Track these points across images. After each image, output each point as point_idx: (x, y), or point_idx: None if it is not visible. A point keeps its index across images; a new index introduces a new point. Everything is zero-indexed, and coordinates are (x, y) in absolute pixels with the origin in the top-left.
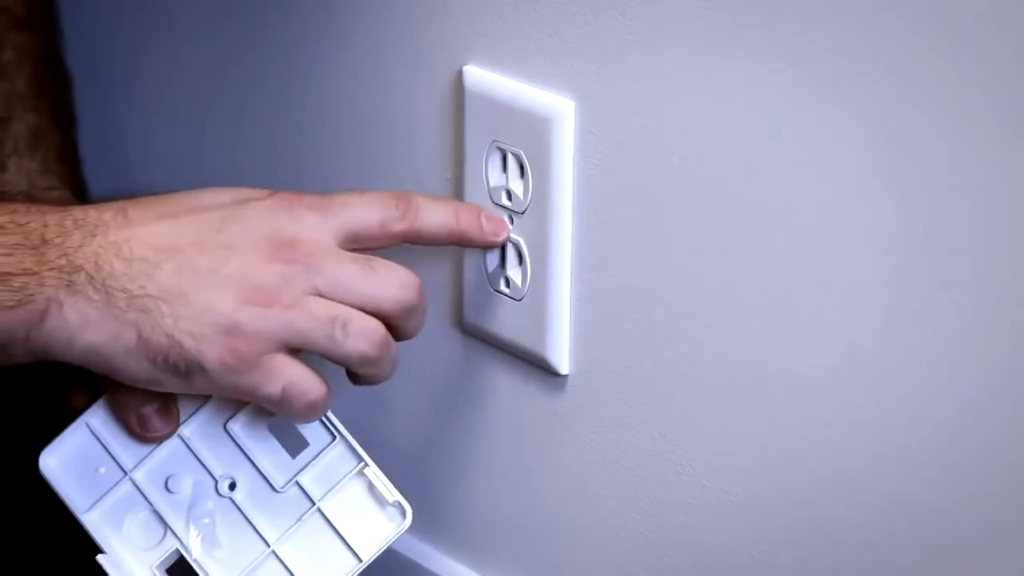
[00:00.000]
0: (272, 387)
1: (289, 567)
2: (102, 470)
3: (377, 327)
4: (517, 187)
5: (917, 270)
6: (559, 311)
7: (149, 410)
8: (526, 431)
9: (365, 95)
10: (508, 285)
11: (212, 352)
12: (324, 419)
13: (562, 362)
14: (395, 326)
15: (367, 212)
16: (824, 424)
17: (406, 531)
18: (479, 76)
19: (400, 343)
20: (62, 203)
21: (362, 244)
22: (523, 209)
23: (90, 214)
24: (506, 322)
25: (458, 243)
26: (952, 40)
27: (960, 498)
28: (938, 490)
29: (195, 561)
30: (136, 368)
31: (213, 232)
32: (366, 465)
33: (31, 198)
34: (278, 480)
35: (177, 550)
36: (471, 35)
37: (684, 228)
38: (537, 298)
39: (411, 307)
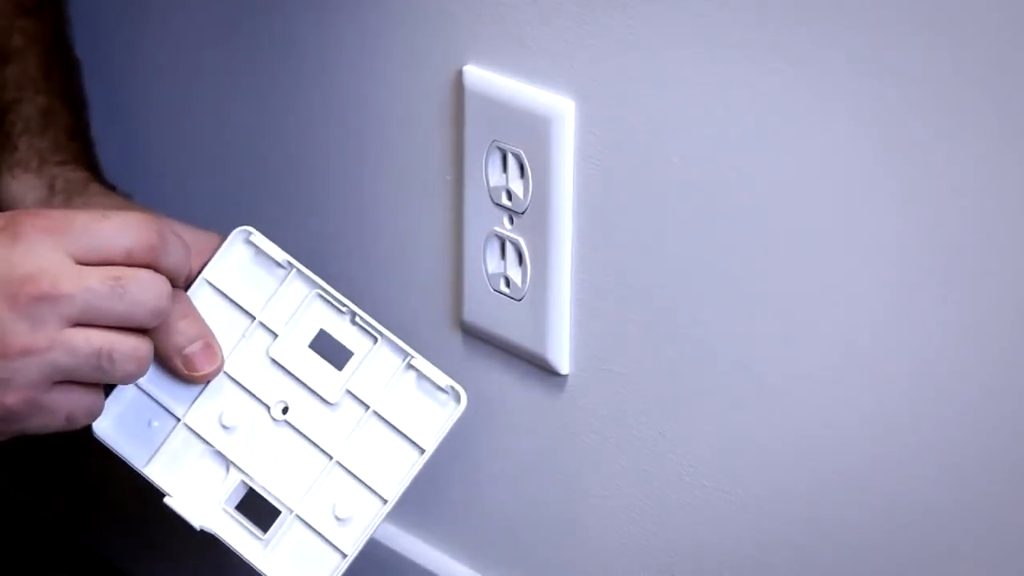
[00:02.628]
0: (55, 422)
1: (355, 473)
2: (156, 423)
3: (139, 345)
4: (517, 187)
5: (917, 270)
6: (559, 311)
7: (194, 349)
8: (526, 431)
9: (365, 95)
10: (508, 285)
11: None
12: (362, 323)
13: (562, 362)
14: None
15: (110, 237)
16: (824, 424)
17: (405, 531)
18: (479, 76)
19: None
20: (76, 180)
21: (107, 265)
22: (523, 209)
23: None
24: (506, 322)
25: (177, 282)
26: (952, 40)
27: (960, 498)
28: (938, 490)
29: (263, 488)
30: None
31: None
32: (412, 358)
33: (42, 175)
34: (330, 394)
35: (243, 482)
36: (471, 35)
37: (684, 228)
38: (537, 298)
39: (164, 311)
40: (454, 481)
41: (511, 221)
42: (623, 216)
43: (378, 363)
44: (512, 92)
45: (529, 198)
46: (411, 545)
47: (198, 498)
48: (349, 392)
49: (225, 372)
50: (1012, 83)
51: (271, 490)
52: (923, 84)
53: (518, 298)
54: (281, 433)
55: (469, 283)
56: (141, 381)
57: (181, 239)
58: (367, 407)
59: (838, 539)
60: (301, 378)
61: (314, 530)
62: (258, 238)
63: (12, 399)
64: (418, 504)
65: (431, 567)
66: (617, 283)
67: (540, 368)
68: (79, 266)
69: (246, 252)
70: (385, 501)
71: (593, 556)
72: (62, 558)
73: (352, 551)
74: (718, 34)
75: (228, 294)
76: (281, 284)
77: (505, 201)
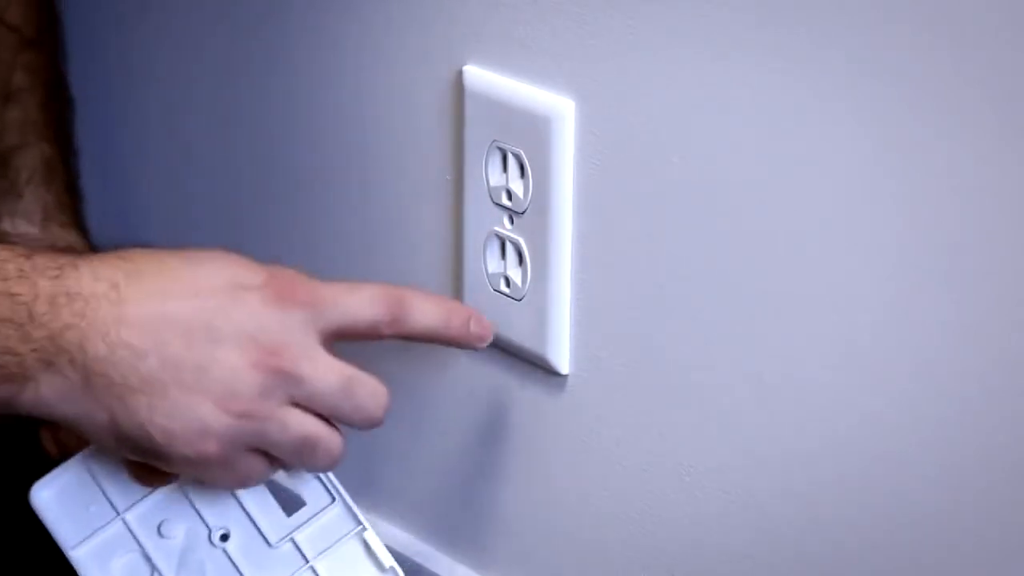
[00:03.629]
0: (231, 481)
1: None
2: (92, 508)
3: (340, 445)
4: (517, 187)
5: (917, 270)
6: (559, 311)
7: None
8: (526, 431)
9: (365, 95)
10: (508, 285)
11: (181, 450)
12: (324, 480)
13: (562, 362)
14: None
15: (358, 312)
16: (824, 424)
17: (405, 531)
18: (479, 76)
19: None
20: (71, 249)
21: (347, 340)
22: (523, 209)
23: (84, 283)
24: (506, 322)
25: (443, 343)
26: (952, 40)
27: (960, 498)
28: (938, 490)
29: None
30: (105, 444)
31: (203, 326)
32: (364, 529)
33: (46, 232)
34: (272, 535)
35: None
36: (471, 35)
37: (684, 228)
38: (537, 298)
39: (377, 423)
40: (454, 481)
41: (511, 221)
42: (623, 216)
43: (328, 522)
44: (512, 92)
45: (529, 198)
46: (411, 545)
47: None
48: (292, 540)
49: (178, 483)
50: (1012, 83)
51: None
52: (923, 84)
53: (518, 298)
54: (215, 558)
55: (469, 283)
56: (91, 465)
57: (428, 305)
58: (306, 560)
59: (838, 539)
60: (249, 511)
61: None
62: None
63: (213, 448)
64: (417, 504)
65: (431, 567)
66: (617, 283)
67: (540, 368)
68: (321, 351)
69: None
70: None
71: (593, 556)
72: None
73: None
74: (718, 34)
75: None
76: None
77: (505, 201)
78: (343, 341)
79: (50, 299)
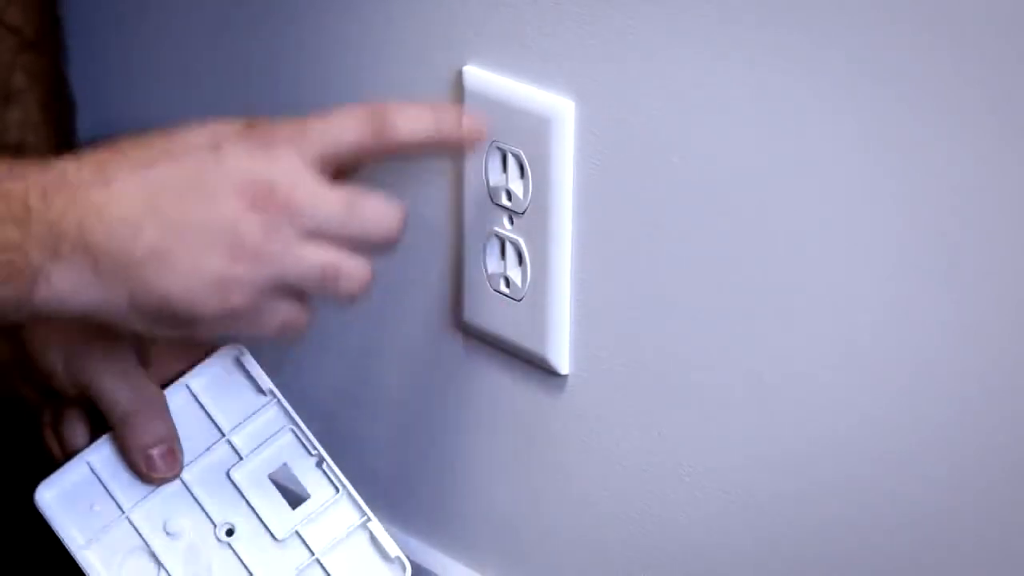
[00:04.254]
0: (268, 328)
1: None
2: (97, 507)
3: (365, 269)
4: (517, 187)
5: (917, 270)
6: (559, 311)
7: (156, 452)
8: (526, 431)
9: (365, 95)
10: (508, 285)
11: (207, 307)
12: (328, 472)
13: (562, 362)
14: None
15: (341, 132)
16: (824, 424)
17: (405, 531)
18: (479, 76)
19: (399, 338)
20: None
21: (341, 164)
22: (523, 209)
23: (70, 172)
24: (506, 322)
25: (438, 149)
26: (953, 40)
27: (960, 499)
28: (938, 491)
29: None
30: (134, 324)
31: (192, 182)
32: (369, 520)
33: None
34: (278, 529)
35: None
36: (471, 35)
37: (684, 228)
38: (537, 298)
39: (394, 240)
40: (454, 481)
41: (511, 221)
42: (623, 216)
43: (334, 514)
44: (512, 92)
45: (529, 198)
46: (411, 545)
47: None
48: (298, 534)
49: (182, 480)
50: (1012, 83)
51: None
52: (923, 84)
53: (518, 298)
54: (221, 554)
55: (469, 283)
56: (95, 464)
57: (412, 112)
58: (312, 553)
59: (838, 539)
60: (254, 506)
61: None
62: (247, 360)
63: (238, 299)
64: (417, 503)
65: (431, 567)
66: (617, 283)
67: (540, 368)
68: (318, 179)
69: (232, 369)
70: None
71: (593, 556)
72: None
73: None
74: (718, 34)
75: (204, 405)
76: (258, 410)
77: (505, 201)
78: (337, 167)
79: (42, 192)
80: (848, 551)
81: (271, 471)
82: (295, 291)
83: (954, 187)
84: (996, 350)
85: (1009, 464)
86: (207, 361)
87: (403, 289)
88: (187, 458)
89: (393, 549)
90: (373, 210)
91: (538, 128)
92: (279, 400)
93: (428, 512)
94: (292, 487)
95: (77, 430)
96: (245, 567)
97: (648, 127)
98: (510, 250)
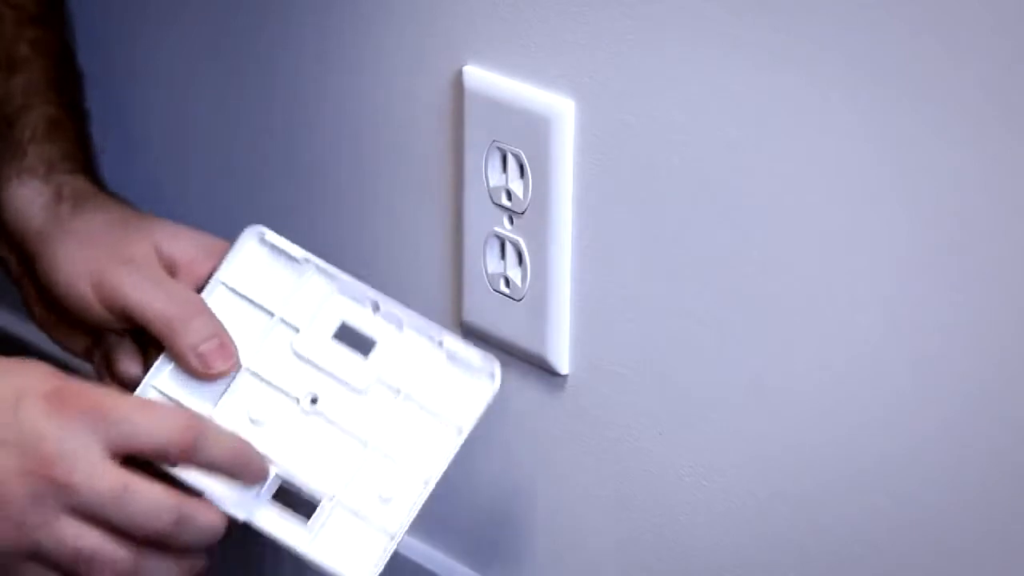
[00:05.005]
0: None
1: (393, 457)
2: None
3: (123, 559)
4: (517, 187)
5: (918, 270)
6: (559, 311)
7: (206, 348)
8: (526, 431)
9: (365, 95)
10: (508, 285)
11: None
12: (386, 312)
13: (562, 362)
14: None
15: (149, 434)
16: (824, 424)
17: (405, 531)
18: (479, 76)
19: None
20: (83, 189)
21: (140, 458)
22: (523, 209)
23: None
24: (506, 322)
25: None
26: (953, 39)
27: (960, 498)
28: (938, 490)
29: (297, 478)
30: None
31: None
32: (442, 338)
33: (49, 183)
34: (359, 382)
35: (278, 476)
36: (471, 35)
37: (684, 228)
38: (537, 298)
39: (162, 534)
40: (454, 481)
41: (511, 221)
42: (623, 216)
43: (406, 347)
44: (512, 92)
45: (529, 198)
46: (411, 545)
47: (234, 494)
48: (379, 379)
49: (248, 370)
50: (1013, 83)
51: (307, 480)
52: (924, 84)
53: (518, 298)
54: (312, 423)
55: (469, 283)
56: (160, 386)
57: (221, 441)
58: (398, 391)
59: (838, 539)
60: (328, 369)
61: (356, 514)
62: (272, 236)
63: None
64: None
65: (431, 567)
66: (617, 283)
67: (540, 368)
68: (101, 460)
69: (260, 250)
70: (427, 481)
71: (593, 556)
72: None
73: (399, 531)
74: (718, 34)
75: (245, 294)
76: (299, 280)
77: (505, 201)
78: (117, 471)
79: None
80: (848, 551)
81: (333, 332)
82: (58, 567)
83: (956, 187)
84: (996, 350)
85: (1009, 464)
86: (232, 252)
87: (403, 289)
88: (247, 348)
89: (476, 359)
90: (143, 504)
91: (538, 128)
92: (317, 264)
93: (428, 512)
94: (358, 339)
95: (130, 362)
96: (339, 427)
97: (648, 127)
98: (510, 250)
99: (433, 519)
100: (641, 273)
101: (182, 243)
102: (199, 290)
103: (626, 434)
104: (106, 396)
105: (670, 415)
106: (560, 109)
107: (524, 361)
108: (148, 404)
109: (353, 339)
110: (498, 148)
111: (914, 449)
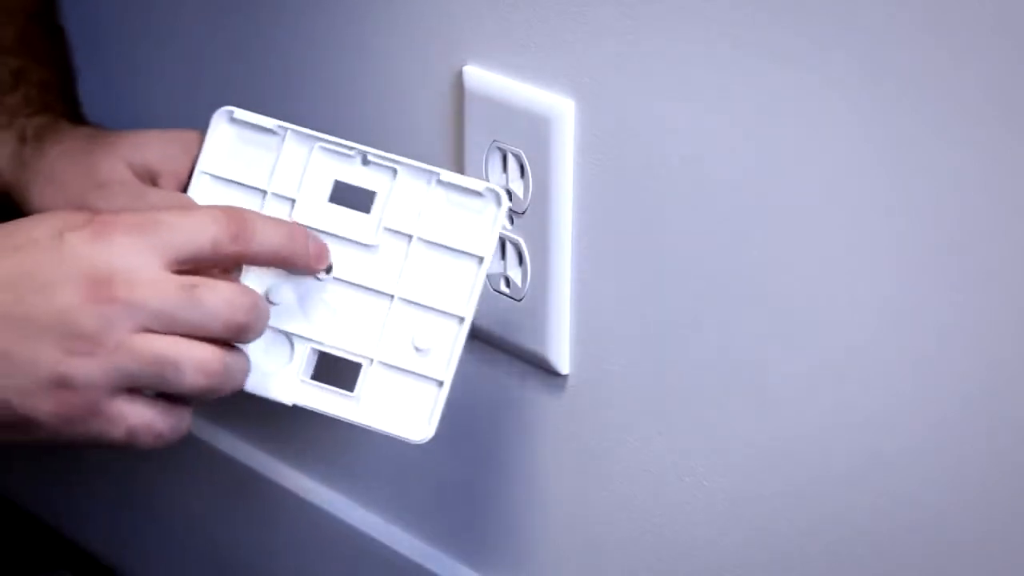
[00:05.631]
0: (116, 432)
1: (422, 303)
2: None
3: (210, 358)
4: (517, 187)
5: (917, 270)
6: (559, 311)
7: None
8: (526, 431)
9: (365, 95)
10: (508, 285)
11: (44, 408)
12: (376, 161)
13: (562, 362)
14: (235, 342)
15: (195, 233)
16: (824, 424)
17: (405, 531)
18: (479, 76)
19: None
20: (43, 124)
21: (193, 265)
22: (523, 209)
23: None
24: (506, 322)
25: (283, 266)
26: (953, 39)
27: (961, 498)
28: (939, 490)
29: (333, 348)
30: None
31: (30, 275)
32: (438, 174)
33: (12, 129)
34: (368, 237)
35: (312, 350)
36: (471, 35)
37: (684, 228)
38: (537, 298)
39: (243, 327)
40: (454, 481)
41: (511, 221)
42: (623, 217)
43: (405, 192)
44: (512, 92)
45: (529, 198)
46: (411, 545)
47: (275, 380)
48: (387, 229)
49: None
50: (1013, 83)
51: (343, 347)
52: (924, 84)
53: (518, 298)
54: (333, 291)
55: None
56: None
57: (270, 223)
58: (410, 237)
59: (838, 539)
60: (334, 232)
61: (400, 369)
62: (242, 113)
63: (75, 397)
64: (418, 504)
65: (431, 567)
66: (617, 283)
67: (540, 368)
68: (160, 270)
69: (234, 131)
70: (462, 319)
71: (593, 556)
72: (62, 558)
73: (446, 376)
74: (718, 34)
75: (230, 177)
76: (280, 150)
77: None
78: (188, 267)
79: None
80: (848, 551)
81: (328, 195)
82: (143, 391)
83: (956, 187)
84: (996, 350)
85: (1009, 464)
86: (207, 140)
87: None
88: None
89: (478, 184)
90: (216, 298)
91: (538, 128)
92: (292, 129)
93: (428, 512)
94: (355, 195)
95: None
96: (362, 287)
97: (648, 127)
98: (510, 250)
99: (433, 518)
100: (641, 273)
101: (151, 149)
102: (185, 188)
103: (626, 434)
104: (145, 213)
105: (670, 415)
106: (560, 109)
107: (524, 361)
108: (188, 208)
109: (349, 198)
110: (498, 148)
111: (914, 449)
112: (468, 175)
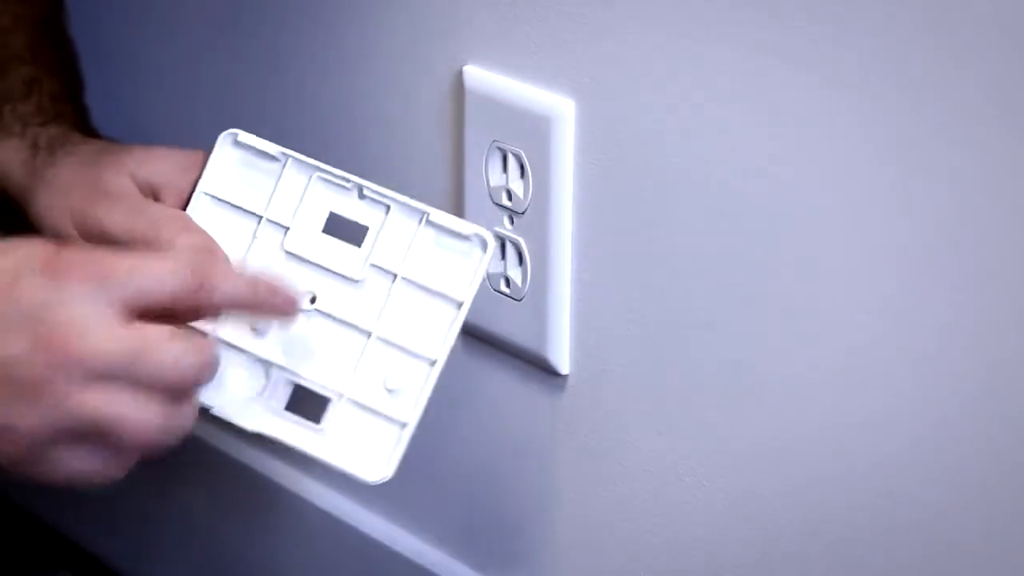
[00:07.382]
0: (57, 477)
1: (397, 343)
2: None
3: (151, 419)
4: (517, 187)
5: (917, 270)
6: (559, 311)
7: None
8: (526, 431)
9: (365, 95)
10: (508, 285)
11: None
12: (371, 195)
13: (562, 362)
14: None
15: (156, 283)
16: (824, 424)
17: (405, 530)
18: (479, 76)
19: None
20: (56, 134)
21: (152, 314)
22: (523, 209)
23: None
24: (506, 322)
25: (247, 315)
26: (953, 39)
27: (960, 498)
28: (938, 490)
29: (307, 380)
30: None
31: None
32: (428, 214)
33: (25, 138)
34: (354, 272)
35: (287, 380)
36: (471, 35)
37: (684, 228)
38: (537, 298)
39: (191, 384)
40: (454, 481)
41: (511, 221)
42: (623, 216)
43: (395, 229)
44: (512, 92)
45: (529, 198)
46: (411, 544)
47: (244, 406)
48: (373, 265)
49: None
50: (1013, 83)
51: (316, 380)
52: (925, 83)
53: (518, 298)
54: (314, 323)
55: None
56: None
57: (232, 277)
58: (394, 275)
59: (838, 539)
60: (322, 264)
61: (367, 408)
62: (246, 137)
63: (14, 446)
64: (418, 503)
65: (431, 567)
66: (617, 283)
67: (540, 368)
68: (112, 322)
69: (237, 155)
70: (433, 362)
71: (593, 556)
72: (62, 558)
73: (412, 419)
74: (719, 34)
75: (228, 200)
76: (280, 177)
77: (505, 201)
78: (148, 316)
79: None
80: (848, 551)
81: (322, 225)
82: (88, 439)
83: (956, 187)
84: (996, 350)
85: (1009, 464)
86: (211, 161)
87: None
88: (239, 253)
89: (466, 227)
90: (166, 357)
91: (538, 128)
92: (294, 157)
93: (428, 512)
94: (349, 227)
95: None
96: (341, 322)
97: (648, 127)
98: (510, 250)
99: (433, 518)
100: (641, 273)
101: (156, 164)
102: (186, 206)
103: (626, 434)
104: (105, 256)
105: (670, 415)
106: (560, 109)
107: (524, 361)
108: (151, 255)
109: (344, 228)
110: (498, 148)
111: (914, 449)
112: (468, 175)
